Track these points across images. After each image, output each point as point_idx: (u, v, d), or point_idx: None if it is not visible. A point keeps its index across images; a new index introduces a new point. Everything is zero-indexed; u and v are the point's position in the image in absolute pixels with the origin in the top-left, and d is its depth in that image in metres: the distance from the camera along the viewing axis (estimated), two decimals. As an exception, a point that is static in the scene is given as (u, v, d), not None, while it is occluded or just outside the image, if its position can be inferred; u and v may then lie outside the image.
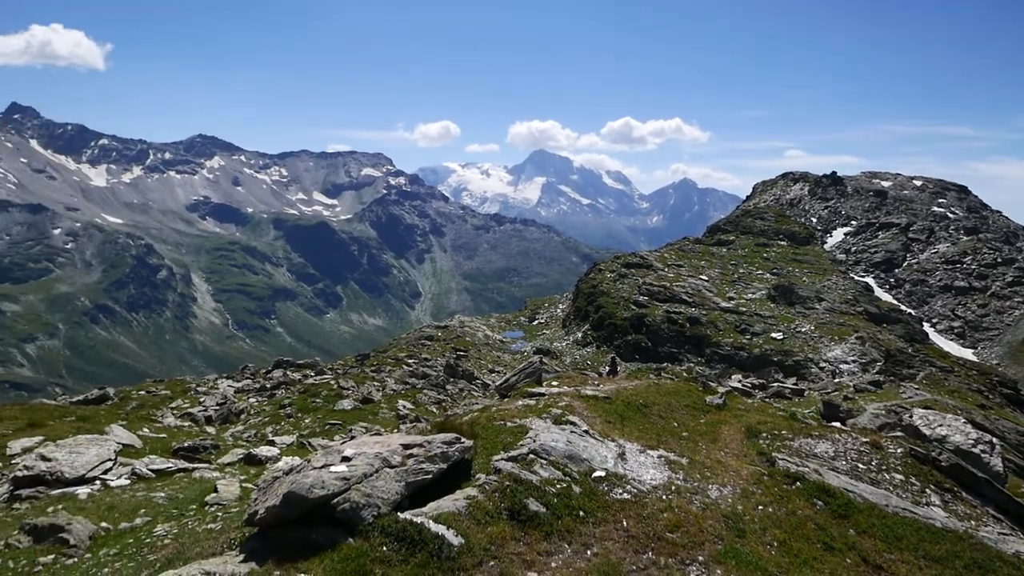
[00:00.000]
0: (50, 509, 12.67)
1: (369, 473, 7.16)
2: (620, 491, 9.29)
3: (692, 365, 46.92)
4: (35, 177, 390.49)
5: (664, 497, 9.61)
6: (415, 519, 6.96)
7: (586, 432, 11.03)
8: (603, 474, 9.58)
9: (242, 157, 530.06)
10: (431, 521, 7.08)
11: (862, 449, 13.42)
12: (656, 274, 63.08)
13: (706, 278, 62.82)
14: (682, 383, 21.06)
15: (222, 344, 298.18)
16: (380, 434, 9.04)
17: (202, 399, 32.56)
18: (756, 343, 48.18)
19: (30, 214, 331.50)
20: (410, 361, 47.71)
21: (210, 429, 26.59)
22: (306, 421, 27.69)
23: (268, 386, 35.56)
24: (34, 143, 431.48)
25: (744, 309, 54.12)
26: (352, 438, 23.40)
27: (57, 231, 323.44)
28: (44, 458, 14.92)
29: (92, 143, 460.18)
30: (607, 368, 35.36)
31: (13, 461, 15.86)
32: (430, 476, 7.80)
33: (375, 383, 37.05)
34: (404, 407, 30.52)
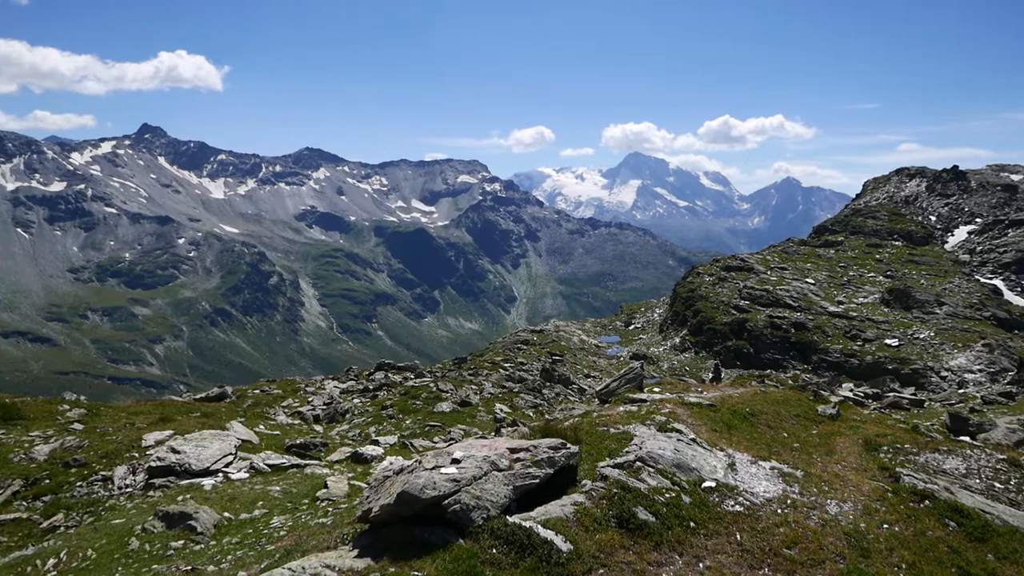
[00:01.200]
0: (180, 498, 13.57)
1: (478, 476, 7.24)
2: (732, 503, 8.93)
3: (798, 372, 44.77)
4: (163, 191, 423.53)
5: (779, 511, 9.16)
6: (524, 523, 6.97)
7: (693, 440, 10.70)
8: (713, 484, 9.25)
9: (345, 168, 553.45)
10: (540, 526, 7.06)
11: (999, 467, 12.31)
12: (758, 277, 60.68)
13: (812, 281, 59.81)
14: (790, 391, 20.09)
15: (327, 346, 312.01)
16: (485, 438, 9.11)
17: (310, 399, 33.93)
18: (868, 350, 45.37)
19: (158, 225, 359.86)
20: (506, 365, 48.05)
21: (318, 427, 27.68)
22: (407, 422, 28.30)
23: (371, 387, 36.67)
24: (162, 160, 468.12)
25: (855, 314, 51.13)
26: (451, 440, 23.81)
27: (181, 240, 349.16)
28: (174, 450, 16.03)
29: (211, 158, 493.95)
30: (710, 375, 34.26)
31: (148, 452, 17.13)
32: (537, 481, 7.78)
33: (473, 386, 37.51)
34: (501, 411, 30.72)
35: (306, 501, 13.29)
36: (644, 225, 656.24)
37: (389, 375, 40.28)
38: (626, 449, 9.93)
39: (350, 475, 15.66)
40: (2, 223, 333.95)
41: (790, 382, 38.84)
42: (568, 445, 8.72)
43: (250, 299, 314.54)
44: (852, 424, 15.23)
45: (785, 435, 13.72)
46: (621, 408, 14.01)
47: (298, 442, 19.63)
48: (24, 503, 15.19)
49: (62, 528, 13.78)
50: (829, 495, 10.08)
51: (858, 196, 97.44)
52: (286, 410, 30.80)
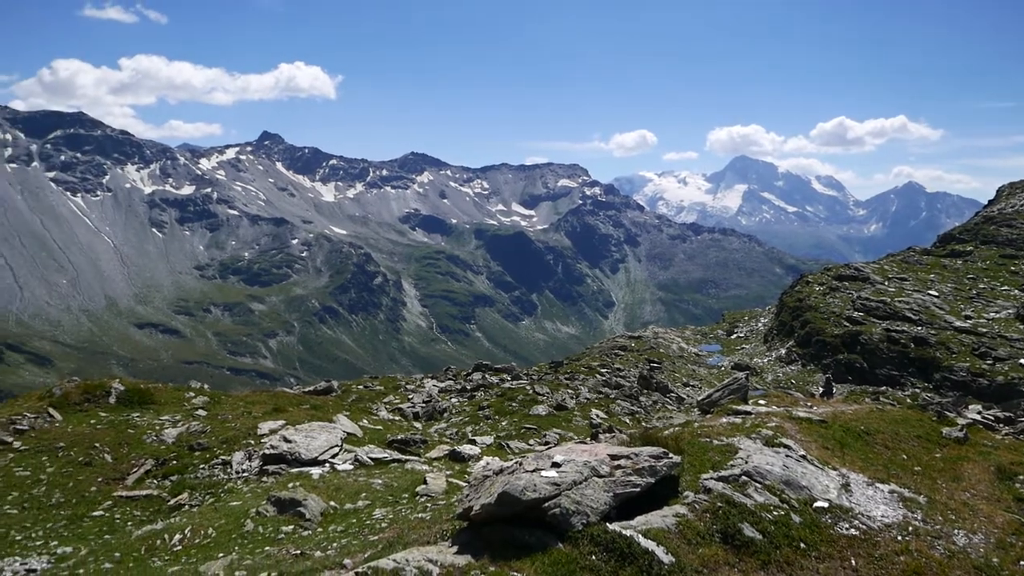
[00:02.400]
0: (290, 485, 14.28)
1: (578, 481, 7.19)
2: (846, 525, 8.41)
3: (917, 391, 41.69)
4: (279, 195, 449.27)
5: (899, 538, 8.54)
6: (624, 531, 6.86)
7: (803, 457, 10.17)
8: (825, 505, 8.75)
9: (448, 172, 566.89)
10: (640, 535, 6.92)
11: None
12: (874, 288, 57.02)
13: (936, 293, 55.54)
14: (909, 410, 18.75)
15: (427, 346, 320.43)
16: (584, 443, 9.04)
17: (410, 396, 34.83)
18: (1000, 369, 41.58)
19: (274, 227, 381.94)
20: (603, 370, 47.54)
21: (417, 424, 28.40)
22: (503, 423, 28.52)
23: (468, 388, 37.24)
24: (279, 165, 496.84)
25: (984, 330, 47.02)
26: (547, 443, 23.82)
27: (295, 241, 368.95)
28: (286, 440, 16.93)
29: (324, 163, 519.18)
30: (820, 389, 32.53)
31: (262, 440, 18.19)
32: (638, 489, 7.64)
33: (569, 390, 37.36)
34: (597, 416, 30.42)
35: (406, 495, 13.64)
36: (749, 231, 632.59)
37: (486, 376, 40.74)
38: (730, 462, 9.57)
39: (448, 472, 15.95)
40: (140, 223, 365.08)
41: (908, 400, 36.29)
42: (670, 455, 8.50)
43: (356, 298, 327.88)
44: (982, 449, 14.01)
45: (904, 457, 12.81)
46: (724, 419, 13.54)
47: (399, 438, 20.20)
48: (155, 481, 16.49)
49: (186, 506, 14.85)
50: (956, 524, 9.31)
51: (991, 202, 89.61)
52: (387, 406, 31.76)
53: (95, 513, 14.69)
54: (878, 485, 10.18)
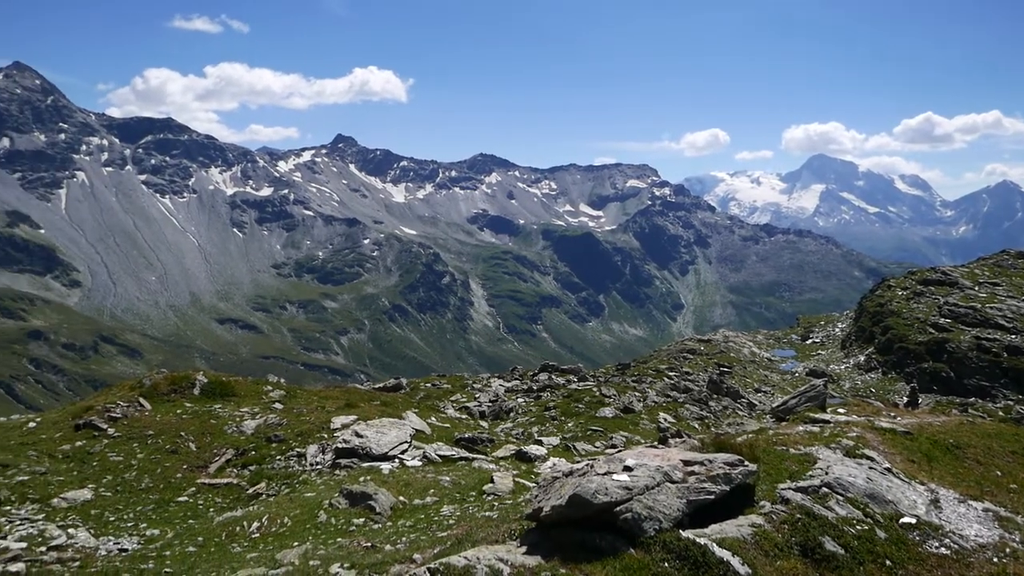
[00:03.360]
0: (361, 479, 14.63)
1: (651, 486, 7.07)
2: (936, 544, 7.95)
3: (1011, 403, 39.13)
4: (352, 196, 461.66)
5: (995, 559, 8.01)
6: (698, 539, 6.69)
7: (888, 470, 9.68)
8: (913, 521, 8.30)
9: (516, 172, 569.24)
10: (715, 544, 6.74)
11: None
12: (963, 293, 53.86)
13: (1035, 300, 52.03)
14: (1004, 424, 17.62)
15: (493, 345, 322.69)
16: (655, 447, 8.88)
17: (477, 395, 35.13)
18: (1109, 383, 38.61)
19: (347, 227, 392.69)
20: (671, 374, 46.70)
21: (483, 423, 28.61)
22: (568, 425, 28.44)
23: (534, 388, 37.28)
24: (352, 167, 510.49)
25: (1091, 340, 43.73)
26: (613, 446, 23.57)
27: (366, 241, 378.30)
28: (357, 435, 17.35)
29: (395, 165, 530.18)
30: (904, 399, 31.00)
31: (335, 434, 18.71)
32: (712, 497, 7.44)
33: (636, 393, 36.89)
34: (665, 420, 29.93)
35: (473, 493, 13.74)
36: (827, 232, 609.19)
37: (553, 377, 40.69)
38: (809, 473, 9.20)
39: (514, 472, 15.98)
40: (222, 224, 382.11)
41: (1000, 413, 34.17)
42: (745, 462, 8.24)
43: (424, 297, 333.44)
44: (1087, 468, 13.00)
45: (999, 473, 12.02)
46: (800, 428, 13.06)
47: (466, 436, 20.39)
48: (235, 470, 17.21)
49: (264, 495, 15.41)
50: (1059, 548, 8.66)
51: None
52: (454, 404, 32.12)
53: (180, 498, 15.44)
54: (971, 502, 9.59)
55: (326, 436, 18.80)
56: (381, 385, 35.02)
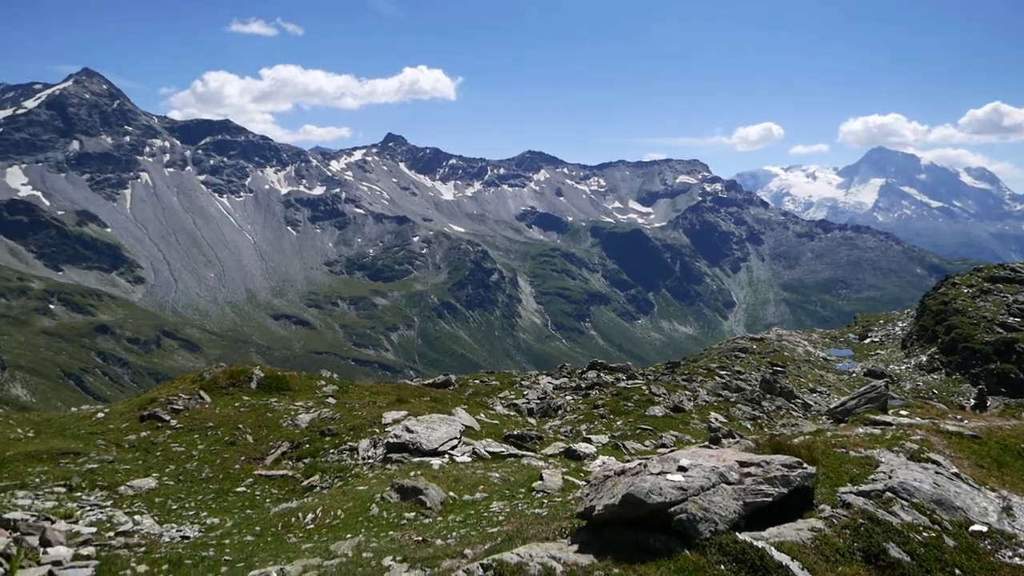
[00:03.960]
0: (412, 473, 14.81)
1: (706, 487, 6.93)
2: (1010, 553, 7.57)
3: (1089, 407, 37.10)
4: (402, 194, 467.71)
5: (1074, 571, 7.60)
6: (755, 542, 6.52)
7: (956, 475, 9.28)
8: (984, 529, 7.92)
9: (564, 170, 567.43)
10: (773, 548, 6.56)
11: None
12: (1036, 291, 51.34)
13: (1116, 298, 49.22)
14: (1082, 429, 16.69)
15: (541, 343, 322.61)
16: (709, 447, 8.71)
17: (525, 392, 35.15)
18: None
19: (397, 224, 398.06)
20: (722, 373, 45.83)
21: (532, 420, 28.61)
22: (617, 423, 28.21)
23: (583, 386, 37.10)
24: (402, 166, 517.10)
25: None
26: (663, 445, 23.27)
27: (416, 239, 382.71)
28: (408, 430, 17.58)
29: (444, 163, 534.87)
30: (972, 401, 29.75)
31: (387, 429, 19.00)
32: (769, 499, 7.25)
33: (686, 392, 36.34)
34: (716, 420, 29.39)
35: (522, 490, 13.75)
36: (886, 228, 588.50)
37: (601, 375, 40.43)
38: (871, 476, 8.88)
39: (563, 470, 15.94)
40: (276, 222, 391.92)
41: (1077, 418, 32.45)
42: (804, 464, 8.01)
43: (473, 294, 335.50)
44: None
45: (1077, 481, 11.40)
46: (860, 429, 12.64)
47: (515, 433, 20.43)
48: (290, 463, 17.64)
49: (318, 488, 15.75)
50: None
51: None
52: (503, 401, 32.21)
53: (238, 489, 15.91)
54: (1046, 511, 9.11)
55: (377, 431, 19.09)
56: (430, 381, 35.37)
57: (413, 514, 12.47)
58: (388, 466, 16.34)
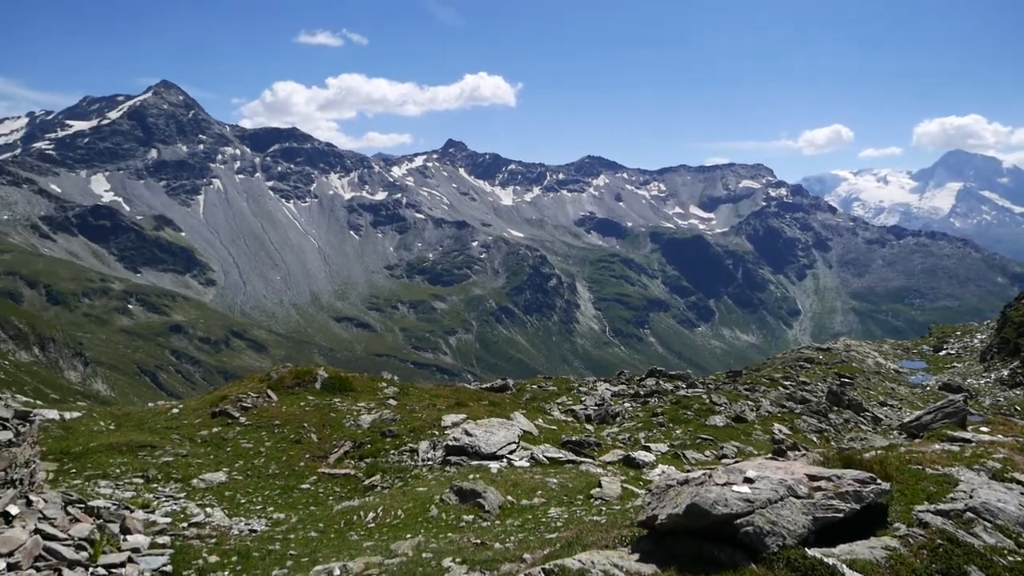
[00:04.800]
0: (470, 476, 14.93)
1: (774, 500, 6.73)
2: (1103, 582, 7.10)
3: None
4: (461, 199, 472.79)
5: None
6: (825, 559, 6.30)
7: (1043, 497, 8.74)
8: (1076, 555, 7.45)
9: (624, 175, 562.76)
10: (844, 565, 6.33)
11: None
12: None
13: None
14: None
15: (599, 349, 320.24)
16: (775, 459, 8.48)
17: (583, 398, 34.94)
18: None
19: (456, 229, 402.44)
20: (786, 383, 44.50)
21: (589, 427, 28.42)
22: (677, 432, 27.77)
23: (641, 393, 36.63)
24: (462, 171, 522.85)
25: None
26: (724, 456, 22.76)
27: (474, 243, 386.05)
28: (467, 433, 17.73)
29: (503, 168, 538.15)
30: (1057, 418, 28.03)
31: (446, 431, 19.22)
32: (840, 515, 6.99)
33: (748, 402, 35.46)
34: (780, 431, 28.59)
35: (580, 497, 13.69)
36: (964, 234, 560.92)
37: (660, 382, 39.88)
38: (950, 495, 8.46)
39: (622, 477, 15.80)
40: (340, 227, 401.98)
41: None
42: (877, 480, 7.69)
43: (531, 299, 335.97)
44: None
45: None
46: (937, 446, 12.06)
47: (573, 439, 20.36)
48: (352, 462, 18.04)
49: (378, 487, 16.06)
50: None
51: None
52: (560, 407, 32.12)
53: (303, 486, 16.36)
54: None
55: (437, 433, 19.32)
56: (488, 385, 35.57)
57: (472, 517, 12.57)
58: (447, 468, 16.51)
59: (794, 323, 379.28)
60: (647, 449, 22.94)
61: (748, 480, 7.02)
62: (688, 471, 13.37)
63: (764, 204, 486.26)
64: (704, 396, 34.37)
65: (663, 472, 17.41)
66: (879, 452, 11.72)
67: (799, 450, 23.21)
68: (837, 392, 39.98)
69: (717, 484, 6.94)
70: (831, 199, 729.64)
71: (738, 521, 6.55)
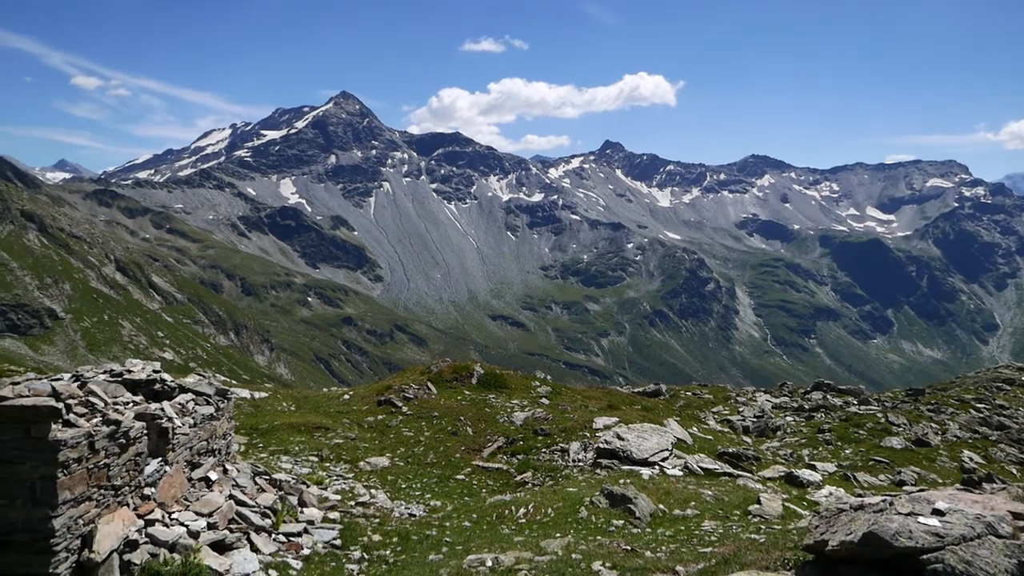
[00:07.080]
0: (621, 481, 14.74)
1: (968, 536, 5.97)
2: None
3: None
4: (617, 200, 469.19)
5: None
6: (1031, 611, 5.50)
7: None
8: None
9: (792, 174, 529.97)
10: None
11: None
12: None
13: None
14: None
15: (759, 358, 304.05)
16: (970, 491, 7.55)
17: (740, 409, 33.41)
18: None
19: (612, 231, 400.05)
20: (980, 406, 39.59)
21: (747, 439, 27.09)
22: (846, 451, 25.77)
23: (806, 407, 34.38)
24: (618, 172, 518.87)
25: None
26: (901, 482, 20.71)
27: (630, 245, 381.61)
28: (619, 437, 17.54)
29: (661, 169, 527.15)
30: None
31: (597, 434, 19.15)
32: (1052, 561, 6.07)
33: (932, 424, 32.01)
34: (971, 459, 25.55)
35: (737, 512, 13.10)
36: None
37: (828, 397, 37.23)
38: None
39: (783, 496, 14.91)
40: (497, 227, 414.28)
41: None
42: (1103, 526, 6.60)
43: (687, 303, 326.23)
44: None
45: None
46: None
47: (730, 451, 19.51)
48: (504, 457, 18.50)
49: (529, 484, 16.32)
50: None
51: None
52: (715, 416, 30.94)
53: (458, 476, 17.03)
54: None
55: (588, 435, 19.30)
56: (640, 389, 35.04)
57: (622, 522, 12.42)
58: (597, 471, 16.43)
59: (990, 339, 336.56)
60: (812, 468, 21.46)
61: (937, 512, 6.28)
62: (860, 495, 12.28)
63: (956, 205, 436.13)
64: (879, 414, 31.67)
65: (831, 494, 16.16)
66: (1103, 493, 10.10)
67: (995, 482, 20.62)
68: (1045, 420, 35.07)
69: (900, 513, 6.27)
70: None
71: (924, 556, 5.87)
